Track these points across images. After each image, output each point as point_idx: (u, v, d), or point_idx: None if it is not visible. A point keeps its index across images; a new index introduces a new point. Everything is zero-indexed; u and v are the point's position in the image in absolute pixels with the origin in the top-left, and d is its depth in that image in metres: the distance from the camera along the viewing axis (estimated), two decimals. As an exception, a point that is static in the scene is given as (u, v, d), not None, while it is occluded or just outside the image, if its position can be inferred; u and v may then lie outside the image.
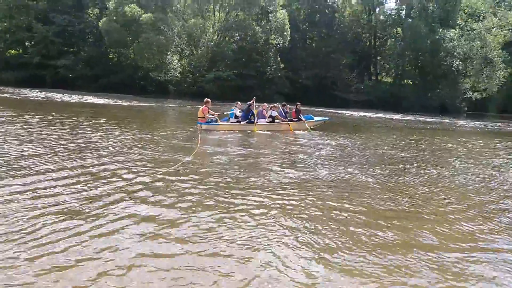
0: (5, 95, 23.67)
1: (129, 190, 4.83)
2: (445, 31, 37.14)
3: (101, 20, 36.45)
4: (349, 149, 9.88)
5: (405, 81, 42.62)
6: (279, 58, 40.12)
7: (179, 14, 39.60)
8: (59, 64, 35.37)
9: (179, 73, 37.26)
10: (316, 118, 14.74)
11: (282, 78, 39.70)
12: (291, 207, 4.63)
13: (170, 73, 36.66)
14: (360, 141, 11.81)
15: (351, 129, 16.31)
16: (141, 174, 5.66)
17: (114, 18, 36.24)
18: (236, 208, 4.43)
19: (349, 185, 5.91)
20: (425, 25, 37.57)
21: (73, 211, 4.02)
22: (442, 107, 36.97)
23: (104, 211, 4.07)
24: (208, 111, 12.21)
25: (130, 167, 6.05)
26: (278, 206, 4.62)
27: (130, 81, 35.92)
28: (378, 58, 44.39)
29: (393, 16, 43.66)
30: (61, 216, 3.85)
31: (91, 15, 38.98)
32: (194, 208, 4.35)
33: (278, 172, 6.44)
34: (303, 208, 4.59)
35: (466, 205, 5.20)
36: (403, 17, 42.93)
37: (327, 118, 16.11)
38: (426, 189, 5.92)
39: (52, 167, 5.67)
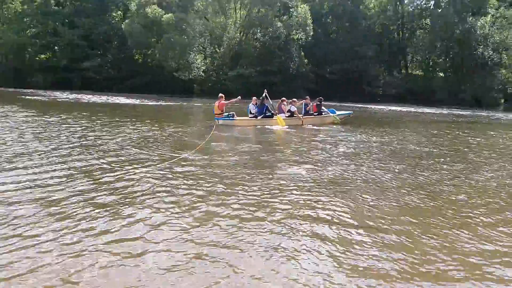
0: (35, 97, 24.17)
1: (114, 187, 4.60)
2: (475, 19, 35.35)
3: (124, 22, 36.84)
4: (375, 144, 9.04)
5: (437, 73, 40.90)
6: (302, 53, 39.34)
7: (201, 13, 39.46)
8: (85, 66, 35.96)
9: (203, 72, 37.14)
10: (338, 112, 14.18)
11: (307, 73, 38.93)
12: (309, 208, 4.09)
13: (194, 72, 36.61)
14: (389, 136, 10.90)
15: (379, 124, 15.31)
16: (130, 170, 5.43)
17: (136, 19, 36.54)
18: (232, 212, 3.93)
19: (375, 184, 5.22)
20: (454, 13, 35.88)
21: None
22: (477, 100, 35.19)
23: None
24: (224, 105, 12.20)
25: (124, 162, 5.96)
26: (291, 207, 4.10)
27: (155, 82, 36.12)
28: (407, 50, 42.77)
29: (421, 6, 42.00)
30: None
31: (115, 17, 39.37)
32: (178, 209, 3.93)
33: (290, 171, 5.87)
34: (323, 209, 4.05)
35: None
36: (432, 7, 41.22)
37: (351, 112, 15.43)
38: (468, 190, 5.14)
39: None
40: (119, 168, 5.49)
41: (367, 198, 4.50)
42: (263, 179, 5.28)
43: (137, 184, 4.74)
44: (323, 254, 3.03)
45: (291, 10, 39.27)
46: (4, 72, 37.07)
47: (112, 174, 5.15)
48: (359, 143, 9.24)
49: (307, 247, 3.14)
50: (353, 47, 40.36)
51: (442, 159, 7.33)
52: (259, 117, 12.46)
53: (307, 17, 38.71)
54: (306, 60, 39.39)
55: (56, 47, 37.41)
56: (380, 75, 40.52)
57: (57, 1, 38.26)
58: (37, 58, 36.92)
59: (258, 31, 39.14)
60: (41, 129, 9.33)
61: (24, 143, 7.17)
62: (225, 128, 11.44)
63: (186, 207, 3.97)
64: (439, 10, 38.23)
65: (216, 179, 5.12)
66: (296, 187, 4.90)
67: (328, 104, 18.44)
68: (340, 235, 3.40)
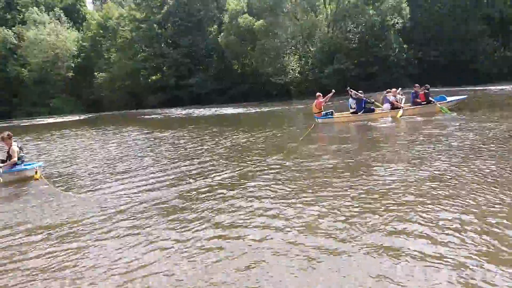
0: (153, 116, 27.06)
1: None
2: None
3: (220, 35, 38.90)
4: (492, 135, 7.82)
5: None
6: (400, 39, 37.04)
7: (291, 14, 39.70)
8: (190, 82, 38.90)
9: (298, 73, 37.39)
10: (449, 98, 12.90)
11: (409, 60, 36.59)
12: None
13: (290, 75, 37.05)
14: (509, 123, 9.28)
15: (498, 107, 13.40)
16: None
17: (231, 31, 38.28)
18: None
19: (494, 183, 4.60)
20: None
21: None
22: None
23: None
24: (322, 104, 12.47)
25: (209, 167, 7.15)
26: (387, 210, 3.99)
27: (255, 88, 37.46)
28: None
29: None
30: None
31: (212, 32, 41.74)
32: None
33: (393, 170, 5.62)
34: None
35: None
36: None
37: (464, 96, 13.93)
38: None
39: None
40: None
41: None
42: (360, 181, 5.24)
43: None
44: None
45: (383, -5, 37.24)
46: (123, 96, 42.10)
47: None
48: (472, 133, 8.25)
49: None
50: (459, 25, 36.70)
51: None
52: (359, 113, 12.42)
53: (402, 0, 36.37)
54: (405, 46, 37.01)
55: (164, 68, 41.20)
56: (495, 51, 36.12)
57: (160, 24, 42.02)
58: (149, 80, 41.18)
59: (350, 22, 37.96)
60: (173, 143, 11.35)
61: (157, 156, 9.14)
62: (324, 126, 11.67)
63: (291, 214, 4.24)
64: None
65: (313, 183, 5.36)
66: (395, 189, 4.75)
67: (436, 90, 17.04)
68: (452, 241, 3.25)
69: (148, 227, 4.23)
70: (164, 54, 40.74)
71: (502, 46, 35.89)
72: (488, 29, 35.96)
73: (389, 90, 13.18)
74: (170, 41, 41.18)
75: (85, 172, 8.00)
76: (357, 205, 4.25)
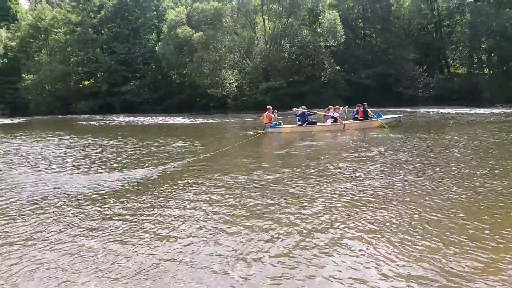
0: (90, 122, 25.81)
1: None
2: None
3: (157, 44, 38.20)
4: (426, 151, 8.49)
5: (484, 70, 38.33)
6: (333, 60, 38.54)
7: (230, 29, 40.01)
8: (124, 90, 37.61)
9: (236, 87, 37.50)
10: (385, 116, 14.10)
11: (339, 81, 38.04)
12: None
13: (227, 88, 37.04)
14: (445, 141, 10.08)
15: (429, 128, 14.36)
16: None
17: (169, 41, 37.75)
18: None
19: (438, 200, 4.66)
20: (490, 6, 33.66)
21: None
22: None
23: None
24: (272, 116, 13.88)
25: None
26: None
27: (192, 100, 37.00)
28: (449, 48, 40.47)
29: (457, 1, 39.69)
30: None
31: (150, 41, 40.92)
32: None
33: (326, 181, 5.79)
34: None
35: None
36: (470, -1, 38.84)
37: (400, 115, 15.05)
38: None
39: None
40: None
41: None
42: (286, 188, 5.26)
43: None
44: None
45: (319, 17, 38.76)
46: (51, 100, 39.73)
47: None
48: (405, 149, 8.83)
49: None
50: (387, 50, 38.98)
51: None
52: (304, 125, 13.69)
53: (337, 22, 37.94)
54: (338, 67, 38.53)
55: (97, 74, 39.56)
56: (419, 77, 38.68)
57: (96, 29, 40.52)
58: (80, 85, 39.25)
59: (285, 41, 38.95)
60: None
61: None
62: (272, 134, 13.41)
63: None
64: (478, 3, 35.96)
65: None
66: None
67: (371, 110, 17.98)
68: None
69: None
70: (98, 60, 39.19)
71: (425, 72, 38.49)
72: (414, 57, 38.42)
73: (330, 106, 14.41)
74: (105, 47, 39.76)
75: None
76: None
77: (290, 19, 38.44)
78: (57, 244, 3.83)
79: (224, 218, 4.37)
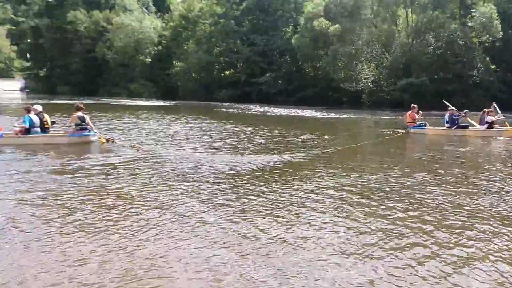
0: (223, 109, 28.58)
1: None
2: None
3: (294, 37, 39.38)
4: None
5: None
6: (487, 58, 34.94)
7: (369, 21, 39.00)
8: (261, 81, 40.05)
9: (372, 82, 36.88)
10: None
11: (494, 81, 34.48)
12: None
13: (362, 83, 36.70)
14: None
15: None
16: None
17: (305, 33, 38.60)
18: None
19: None
20: None
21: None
22: None
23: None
24: (416, 116, 13.27)
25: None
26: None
27: (324, 93, 37.73)
28: None
29: None
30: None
31: (287, 33, 42.31)
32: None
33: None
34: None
35: None
36: None
37: None
38: None
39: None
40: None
41: None
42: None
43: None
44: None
45: (471, 10, 35.20)
46: (197, 88, 44.49)
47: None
48: None
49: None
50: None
51: None
52: (453, 128, 12.77)
53: (493, 16, 34.01)
54: (493, 66, 34.84)
55: (237, 64, 42.73)
56: None
57: (237, 21, 43.37)
58: (222, 75, 42.99)
59: (431, 36, 36.46)
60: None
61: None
62: (415, 135, 12.87)
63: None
64: None
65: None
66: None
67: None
68: None
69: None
70: (238, 51, 42.21)
71: None
72: None
73: (485, 109, 13.13)
74: (245, 38, 42.45)
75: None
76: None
77: (436, 12, 35.79)
78: (182, 217, 4.37)
79: (343, 212, 4.53)
